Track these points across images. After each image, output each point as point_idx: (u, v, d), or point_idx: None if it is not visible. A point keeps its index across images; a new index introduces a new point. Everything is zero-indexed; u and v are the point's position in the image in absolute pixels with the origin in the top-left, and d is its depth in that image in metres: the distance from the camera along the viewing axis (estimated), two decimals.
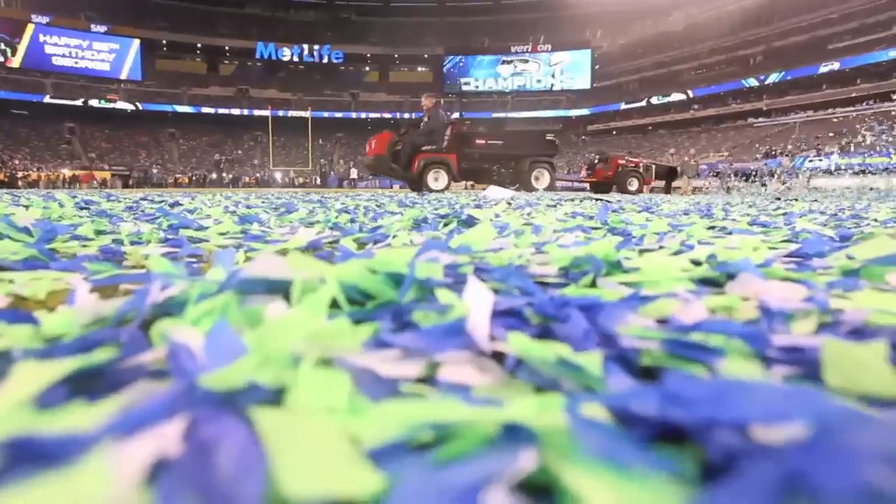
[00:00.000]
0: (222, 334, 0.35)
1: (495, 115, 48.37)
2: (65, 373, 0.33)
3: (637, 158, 14.34)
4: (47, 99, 40.19)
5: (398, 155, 9.70)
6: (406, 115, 46.64)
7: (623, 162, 13.35)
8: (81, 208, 2.35)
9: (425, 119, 10.01)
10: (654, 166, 13.56)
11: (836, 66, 32.65)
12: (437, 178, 9.75)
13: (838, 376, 0.35)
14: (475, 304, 0.43)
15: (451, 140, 9.89)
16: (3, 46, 38.89)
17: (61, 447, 0.22)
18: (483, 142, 10.37)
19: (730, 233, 1.46)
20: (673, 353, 0.39)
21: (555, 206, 3.23)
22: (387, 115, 47.49)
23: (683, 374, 0.35)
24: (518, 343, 0.38)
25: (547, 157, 10.62)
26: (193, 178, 35.50)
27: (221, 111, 45.88)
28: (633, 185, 13.03)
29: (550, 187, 10.38)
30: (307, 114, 36.61)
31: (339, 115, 48.35)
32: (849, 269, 0.82)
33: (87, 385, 0.36)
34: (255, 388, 0.29)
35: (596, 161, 14.66)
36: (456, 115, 10.63)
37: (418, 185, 9.75)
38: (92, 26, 42.30)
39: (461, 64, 49.96)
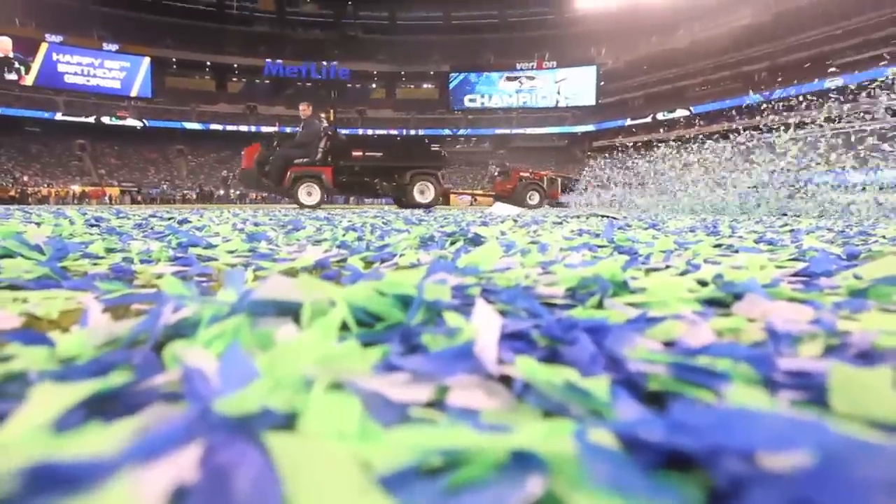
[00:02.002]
0: (235, 358, 0.36)
1: (500, 131, 48.66)
2: (83, 396, 0.33)
3: (544, 171, 13.84)
4: (59, 116, 40.78)
5: (271, 167, 9.18)
6: (412, 132, 46.98)
7: (526, 175, 12.87)
8: (91, 225, 2.38)
9: (300, 129, 9.50)
10: (559, 179, 13.20)
11: (839, 81, 32.70)
12: (309, 193, 9.26)
13: (845, 402, 0.35)
14: (483, 328, 0.44)
15: (325, 152, 9.34)
16: (17, 65, 39.64)
17: (83, 473, 0.23)
18: (361, 153, 9.77)
19: (736, 251, 1.46)
20: (680, 378, 0.39)
21: (560, 223, 3.24)
22: (393, 132, 47.84)
23: (690, 401, 0.35)
24: (526, 367, 0.39)
25: (431, 169, 9.97)
26: (200, 193, 35.79)
27: (230, 128, 46.37)
28: (534, 198, 12.50)
29: (435, 202, 9.89)
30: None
31: (345, 131, 48.72)
32: (856, 289, 0.82)
33: (102, 407, 0.37)
34: (268, 413, 0.30)
35: (496, 174, 14.12)
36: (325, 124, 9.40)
37: (291, 196, 9.19)
38: (104, 45, 43.09)
39: (467, 81, 50.43)
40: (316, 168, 9.30)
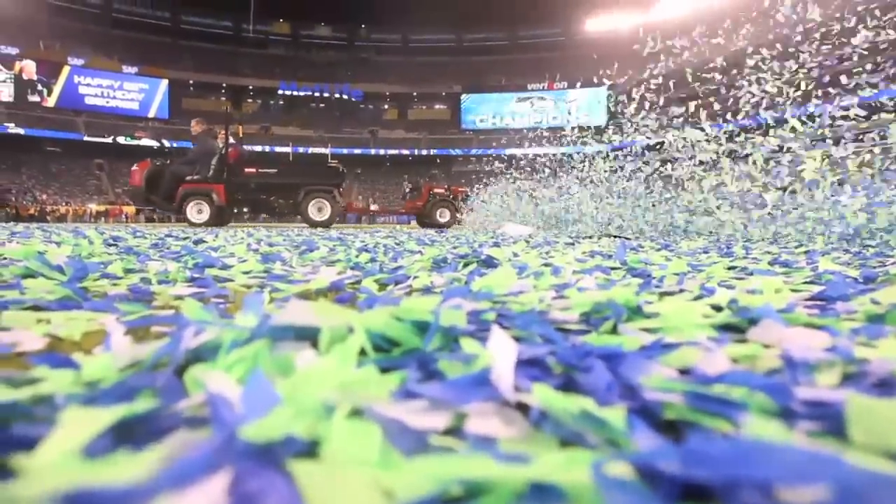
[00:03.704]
0: (258, 384, 0.37)
1: (510, 151, 48.90)
2: (111, 421, 0.34)
3: (460, 187, 13.00)
4: (79, 136, 41.68)
5: (162, 184, 8.96)
6: (424, 152, 47.32)
7: (440, 191, 12.22)
8: (109, 245, 2.42)
9: (193, 146, 9.31)
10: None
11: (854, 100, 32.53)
12: (200, 211, 9.00)
13: (863, 433, 0.35)
14: (499, 355, 0.45)
15: (217, 169, 9.12)
16: (40, 87, 40.74)
17: (117, 501, 0.24)
18: (254, 170, 9.51)
19: (751, 273, 1.46)
20: (696, 408, 0.39)
21: (573, 243, 3.24)
22: (405, 152, 48.27)
23: (707, 433, 0.36)
24: (543, 395, 0.39)
25: (327, 186, 9.71)
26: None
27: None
28: (445, 216, 11.90)
29: (333, 220, 9.66)
30: (327, 150, 37.19)
31: (357, 151, 49.28)
32: (874, 315, 0.81)
33: (127, 431, 0.38)
34: (292, 440, 0.31)
35: (407, 191, 13.34)
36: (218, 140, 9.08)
37: (177, 213, 8.91)
38: (123, 68, 44.19)
39: (478, 101, 50.91)
40: (206, 185, 9.08)
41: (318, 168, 10.37)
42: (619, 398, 0.42)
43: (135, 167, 9.24)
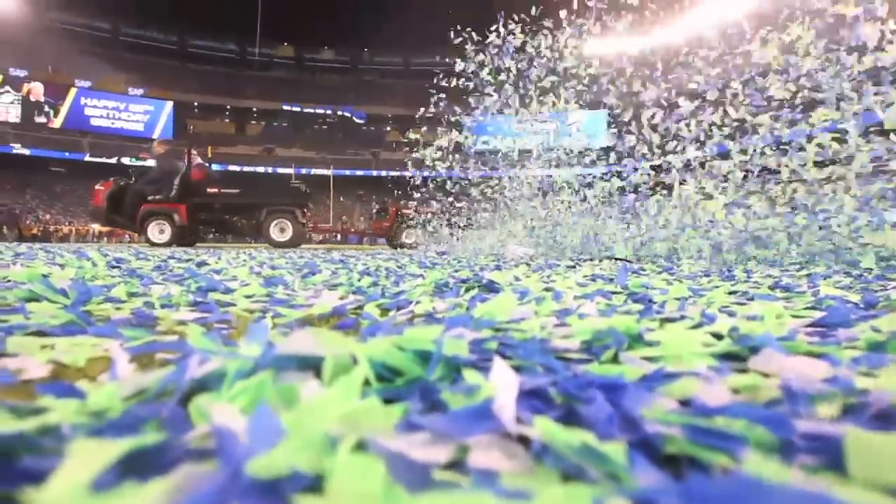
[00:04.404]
0: (264, 417, 0.37)
1: (513, 173, 49.14)
2: (119, 454, 0.35)
3: (405, 208, 12.55)
4: (84, 157, 42.06)
5: (125, 204, 8.92)
6: (426, 174, 47.58)
7: (408, 212, 11.87)
8: (113, 267, 2.43)
9: (155, 167, 9.29)
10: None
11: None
12: (161, 231, 8.97)
13: (862, 469, 0.35)
14: (501, 387, 0.45)
15: (180, 189, 9.13)
16: (47, 109, 41.27)
17: None
18: (216, 190, 9.51)
19: (751, 298, 1.46)
20: (696, 441, 0.40)
21: (574, 266, 3.24)
22: (407, 174, 48.56)
23: (706, 468, 0.36)
24: (544, 428, 0.39)
25: (289, 206, 9.66)
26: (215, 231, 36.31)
27: (247, 169, 47.42)
28: (410, 237, 11.58)
29: (295, 240, 9.55)
30: (329, 171, 37.50)
31: (360, 172, 49.62)
32: (875, 343, 0.82)
33: (134, 464, 0.38)
34: (298, 476, 0.31)
35: (374, 211, 13.05)
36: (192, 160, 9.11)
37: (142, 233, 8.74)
38: (129, 90, 44.81)
39: (479, 124, 51.39)
40: (168, 205, 9.05)
41: (279, 188, 10.39)
42: (620, 431, 0.43)
43: (98, 186, 9.24)
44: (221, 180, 10.04)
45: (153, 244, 8.82)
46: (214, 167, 11.14)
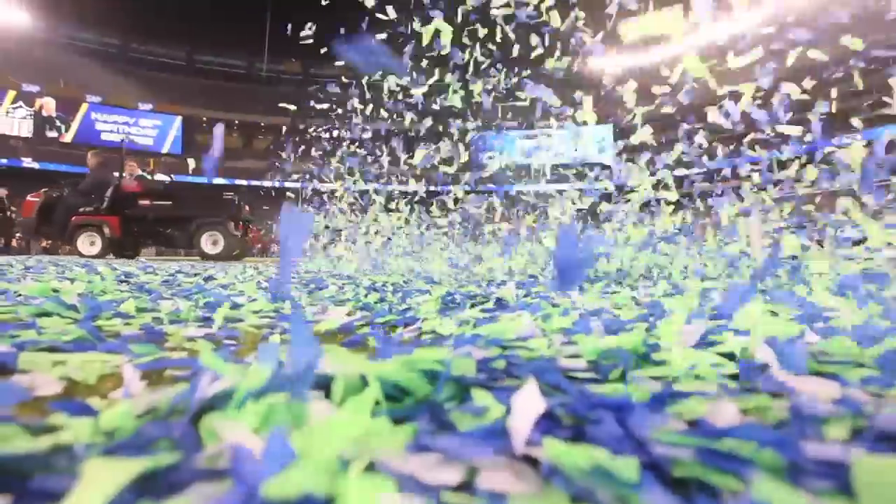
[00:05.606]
0: (276, 439, 0.38)
1: (518, 188, 49.34)
2: (134, 474, 0.35)
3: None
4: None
5: (55, 215, 8.82)
6: (431, 188, 47.78)
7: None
8: (121, 281, 2.45)
9: (87, 178, 9.17)
10: None
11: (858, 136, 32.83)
12: (92, 243, 8.84)
13: (871, 495, 0.35)
14: (523, 410, 0.45)
15: (112, 201, 9.00)
16: (58, 124, 41.83)
17: None
18: (148, 202, 9.34)
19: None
20: (705, 464, 0.40)
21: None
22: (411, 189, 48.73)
23: (715, 493, 0.36)
24: (554, 450, 0.40)
25: (220, 218, 9.49)
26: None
27: (254, 183, 47.73)
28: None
29: (228, 253, 9.44)
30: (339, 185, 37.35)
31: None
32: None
33: (148, 483, 0.39)
34: (310, 498, 0.32)
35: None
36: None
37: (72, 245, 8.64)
38: (139, 104, 45.40)
39: (484, 139, 51.69)
40: (98, 217, 8.95)
41: (211, 200, 10.08)
42: (629, 452, 0.43)
43: (29, 198, 9.12)
44: (154, 192, 9.90)
45: (83, 256, 8.76)
46: (162, 178, 11.07)
